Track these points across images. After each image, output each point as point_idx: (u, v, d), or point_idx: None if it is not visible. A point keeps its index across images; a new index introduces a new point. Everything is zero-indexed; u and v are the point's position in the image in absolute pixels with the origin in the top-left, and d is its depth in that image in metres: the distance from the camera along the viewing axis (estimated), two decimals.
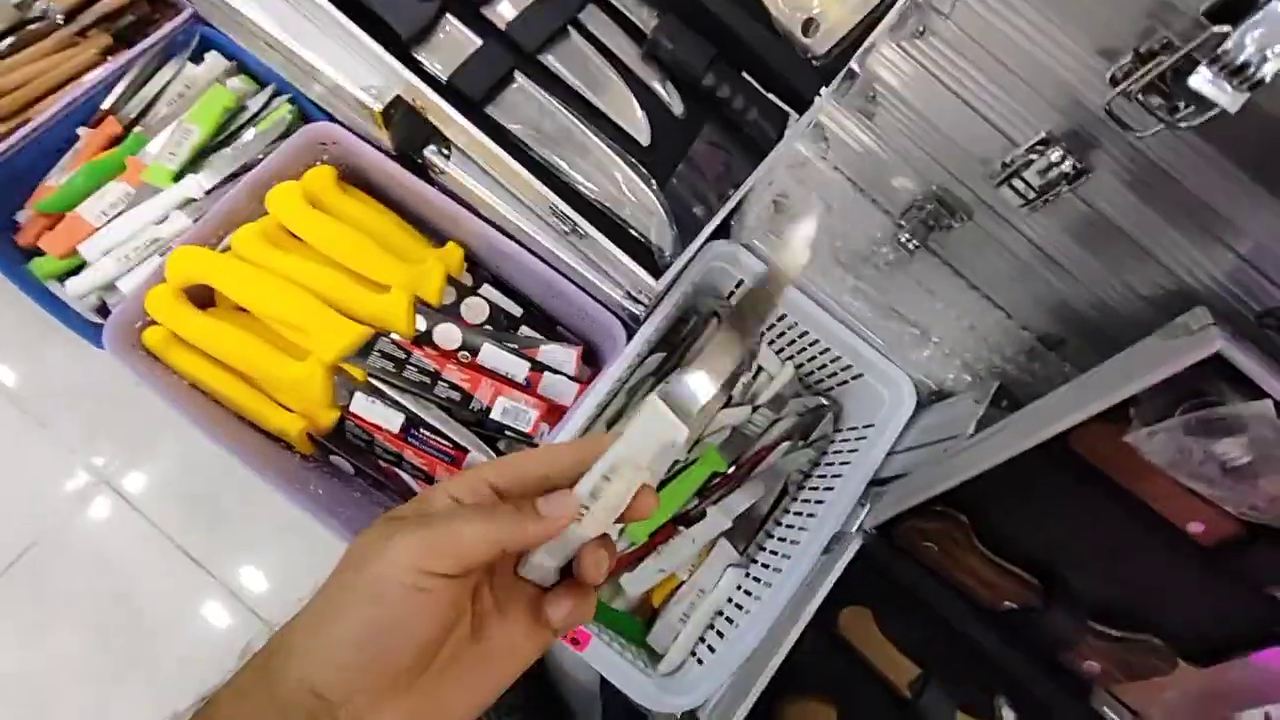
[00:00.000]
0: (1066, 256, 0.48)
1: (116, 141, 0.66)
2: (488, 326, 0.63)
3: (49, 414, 0.92)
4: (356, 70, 0.55)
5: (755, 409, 0.67)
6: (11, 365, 0.93)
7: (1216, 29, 0.32)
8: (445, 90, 0.52)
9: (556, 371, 0.62)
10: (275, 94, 0.68)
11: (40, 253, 0.64)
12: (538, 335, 0.65)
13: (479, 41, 0.53)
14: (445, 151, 0.57)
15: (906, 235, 0.48)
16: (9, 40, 0.63)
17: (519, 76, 0.54)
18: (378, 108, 0.54)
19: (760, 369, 0.69)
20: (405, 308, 0.59)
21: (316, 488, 0.58)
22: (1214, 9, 0.33)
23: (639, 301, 0.56)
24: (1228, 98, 0.32)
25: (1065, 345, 0.54)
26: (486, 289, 0.65)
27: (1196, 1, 0.33)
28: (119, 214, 0.63)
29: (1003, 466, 0.43)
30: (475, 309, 0.63)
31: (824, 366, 0.66)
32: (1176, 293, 0.44)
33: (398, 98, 0.54)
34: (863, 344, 0.60)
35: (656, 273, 0.53)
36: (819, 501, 0.59)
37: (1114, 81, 0.38)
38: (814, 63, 0.57)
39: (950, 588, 0.51)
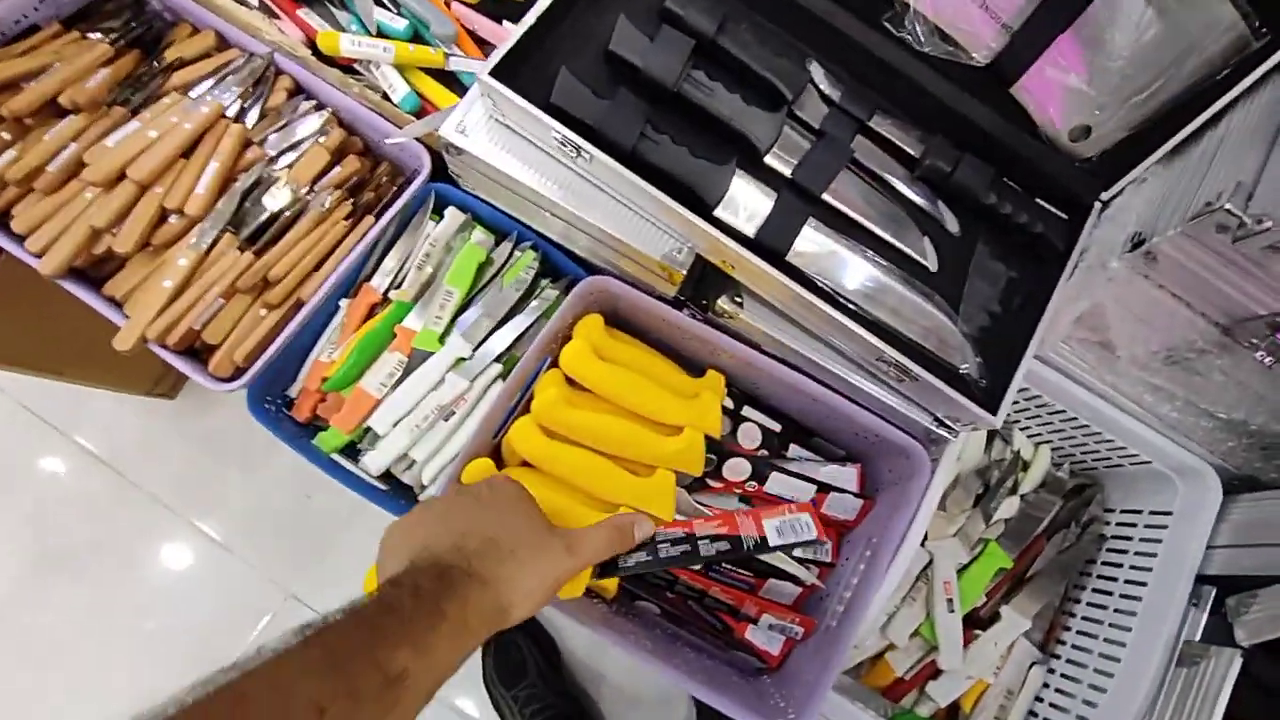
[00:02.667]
0: None
1: (373, 309, 0.68)
2: (763, 451, 0.64)
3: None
4: (647, 233, 0.57)
5: (1023, 498, 0.68)
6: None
7: None
8: (753, 245, 0.53)
9: (843, 490, 0.63)
10: (516, 241, 0.70)
11: (318, 426, 0.67)
12: (811, 455, 0.66)
13: (773, 195, 0.54)
14: (738, 300, 0.58)
15: (1263, 353, 0.48)
16: (272, 227, 0.66)
17: (810, 221, 0.55)
18: (682, 271, 0.55)
19: (1017, 454, 0.69)
20: (700, 446, 0.60)
21: (636, 635, 0.59)
22: None
23: (950, 429, 0.57)
24: None
25: None
26: (748, 410, 0.66)
27: None
28: (396, 383, 0.65)
29: None
30: (749, 434, 0.65)
31: (1080, 445, 0.66)
32: None
33: (696, 257, 0.56)
34: (1149, 431, 0.60)
35: (972, 399, 0.54)
36: (1130, 597, 0.59)
37: None
38: (1086, 165, 0.58)
39: None
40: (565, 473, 0.59)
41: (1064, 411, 0.63)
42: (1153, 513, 0.61)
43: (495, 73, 0.51)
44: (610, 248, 0.59)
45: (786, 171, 0.56)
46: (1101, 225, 0.56)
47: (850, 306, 0.54)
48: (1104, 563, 0.64)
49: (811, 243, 0.55)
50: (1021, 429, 0.68)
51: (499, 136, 0.56)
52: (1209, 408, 0.54)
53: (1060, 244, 0.56)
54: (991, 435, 0.69)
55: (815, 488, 0.62)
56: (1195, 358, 0.51)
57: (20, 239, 0.64)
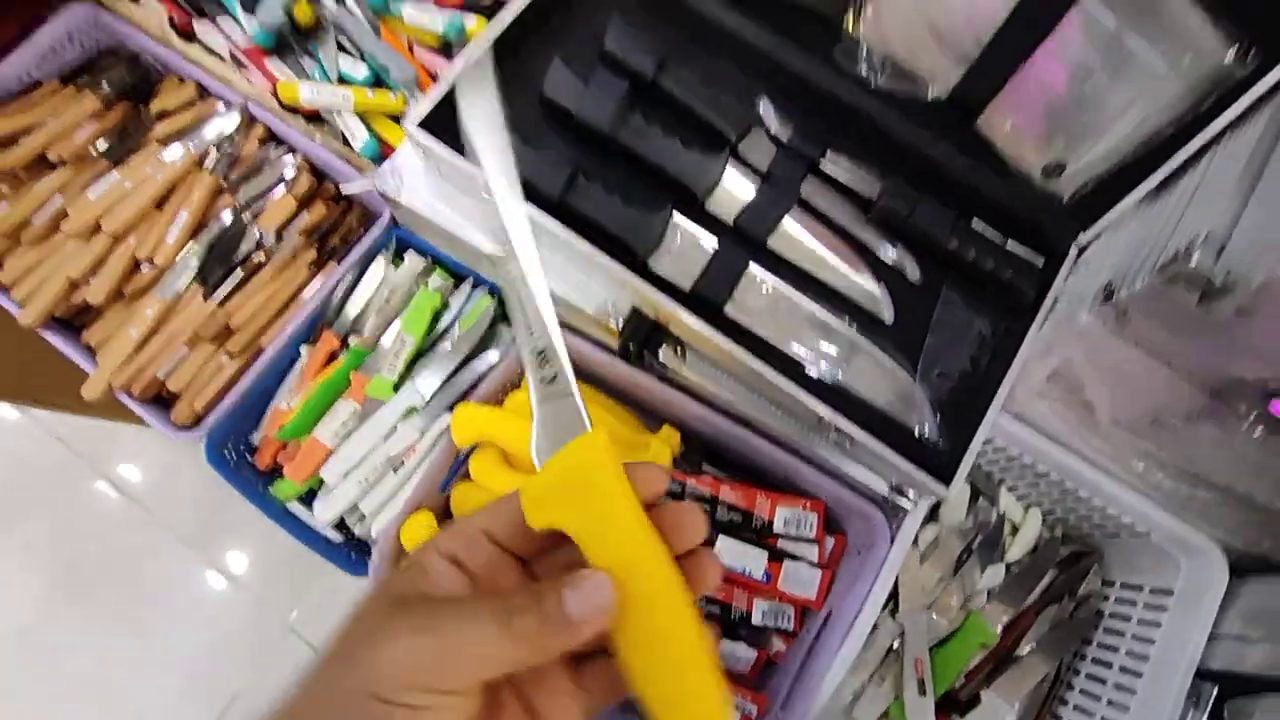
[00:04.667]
0: None
1: (333, 354, 0.68)
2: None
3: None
4: (583, 283, 0.55)
5: (1010, 566, 0.62)
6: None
7: None
8: (689, 299, 0.50)
9: (798, 559, 0.58)
10: (475, 285, 0.69)
11: (275, 472, 0.67)
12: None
13: (713, 241, 0.51)
14: (679, 353, 0.55)
15: (1255, 425, 0.42)
16: (237, 274, 0.67)
17: (753, 268, 0.52)
18: (616, 325, 0.53)
19: (1002, 517, 0.63)
20: None
21: None
22: None
23: (906, 496, 0.52)
24: None
25: None
26: (706, 467, 0.63)
27: None
28: (349, 432, 0.65)
29: None
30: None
31: (1073, 509, 0.60)
32: None
33: (633, 309, 0.53)
34: (1144, 500, 0.54)
35: (929, 467, 0.49)
36: (1124, 688, 0.52)
37: None
38: (1061, 205, 0.52)
39: None
40: None
41: (1050, 474, 0.57)
42: (1153, 590, 0.55)
43: (424, 123, 0.51)
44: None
45: (729, 218, 0.53)
46: (1076, 272, 0.50)
47: (796, 362, 0.50)
48: (1100, 644, 0.57)
49: (754, 293, 0.51)
50: (1009, 489, 0.62)
51: (434, 186, 0.55)
52: (1205, 476, 0.48)
53: (1032, 292, 0.51)
54: (975, 494, 0.63)
55: (768, 554, 0.58)
56: (1181, 424, 0.45)
57: (6, 289, 0.67)
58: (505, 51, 0.54)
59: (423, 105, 0.51)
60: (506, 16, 0.53)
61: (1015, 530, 0.62)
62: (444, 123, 0.51)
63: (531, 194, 0.50)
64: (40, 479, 1.19)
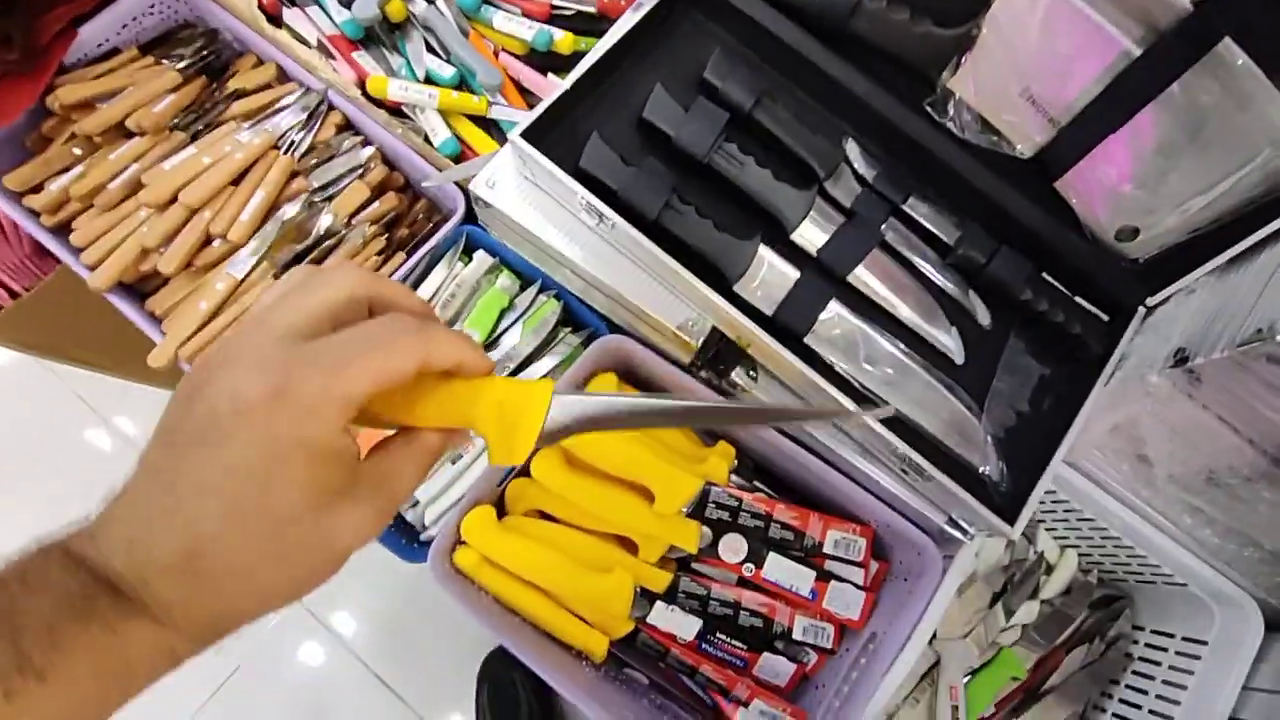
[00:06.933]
0: None
1: None
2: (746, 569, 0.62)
3: None
4: (667, 299, 0.56)
5: (1044, 603, 0.64)
6: None
7: None
8: (770, 324, 0.52)
9: (844, 580, 0.60)
10: (540, 288, 0.71)
11: None
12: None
13: (796, 273, 0.53)
14: (753, 374, 0.57)
15: None
16: (306, 257, 0.68)
17: (833, 302, 0.54)
18: (695, 342, 0.55)
19: (1040, 556, 0.66)
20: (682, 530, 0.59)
21: (620, 707, 0.57)
22: None
23: (963, 530, 0.54)
24: None
25: None
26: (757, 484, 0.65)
27: None
28: None
29: None
30: (732, 546, 0.62)
31: (1110, 555, 0.62)
32: None
33: (713, 329, 0.55)
34: (1183, 551, 0.56)
35: (990, 504, 0.51)
36: None
37: None
38: (1132, 267, 0.55)
39: None
40: (583, 503, 0.59)
41: (1094, 520, 0.59)
42: (1185, 639, 0.57)
43: (527, 134, 0.52)
44: (627, 310, 0.58)
45: (813, 250, 0.54)
46: (1144, 333, 0.52)
47: (868, 395, 0.52)
48: (1128, 686, 0.59)
49: (832, 325, 0.53)
50: (1047, 529, 0.65)
51: (527, 193, 0.57)
52: (1254, 537, 0.50)
53: (1099, 347, 0.53)
54: None
55: (815, 574, 0.60)
56: (1239, 484, 0.48)
57: (77, 251, 0.67)
58: (607, 72, 0.56)
59: (528, 118, 0.52)
60: (610, 40, 0.55)
61: (1050, 569, 0.65)
62: (543, 134, 0.52)
63: (628, 212, 0.52)
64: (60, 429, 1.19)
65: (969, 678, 0.61)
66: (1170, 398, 0.46)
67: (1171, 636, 0.59)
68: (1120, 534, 0.57)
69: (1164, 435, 0.49)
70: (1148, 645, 0.60)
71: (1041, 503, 0.62)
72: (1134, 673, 0.60)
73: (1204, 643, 0.55)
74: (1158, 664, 0.58)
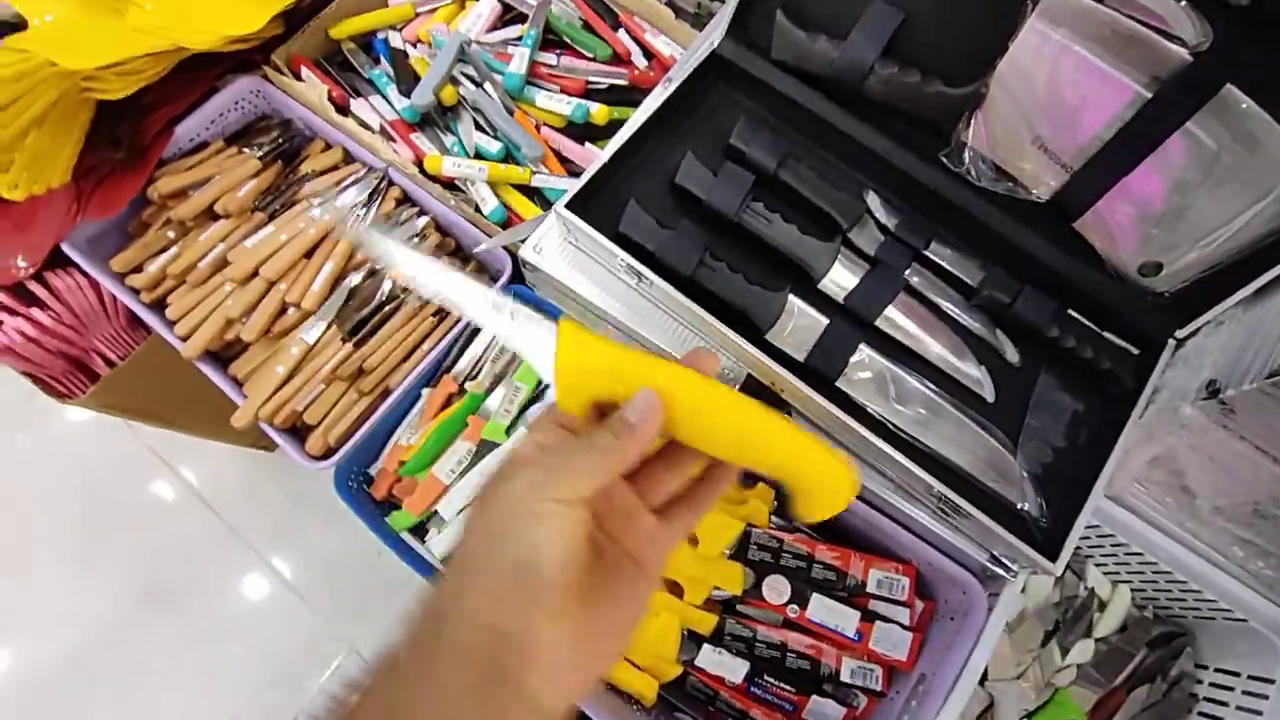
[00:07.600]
0: None
1: (450, 398, 0.74)
2: (793, 607, 0.63)
3: None
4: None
5: (1099, 642, 0.63)
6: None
7: None
8: (802, 370, 0.55)
9: (890, 620, 0.61)
10: None
11: (392, 503, 0.72)
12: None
13: (824, 320, 0.56)
14: (788, 416, 0.59)
15: None
16: (370, 321, 0.75)
17: (863, 346, 0.56)
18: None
19: (1091, 592, 0.65)
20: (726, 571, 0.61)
21: None
22: None
23: (1006, 568, 0.55)
24: None
25: None
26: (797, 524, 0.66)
27: None
28: (464, 470, 0.70)
29: None
30: (775, 588, 0.64)
31: (1165, 590, 0.61)
32: None
33: (749, 376, 0.58)
34: (1238, 585, 0.55)
35: (1031, 542, 0.52)
36: None
37: None
38: (1158, 300, 0.56)
39: None
40: None
41: (1143, 554, 0.59)
42: (1252, 677, 0.55)
43: (571, 205, 0.57)
44: None
45: (840, 297, 0.57)
46: (1175, 366, 0.53)
47: (902, 435, 0.54)
48: None
49: (863, 369, 0.56)
50: (1097, 565, 0.64)
51: (571, 257, 0.61)
52: None
53: (1130, 381, 0.54)
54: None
55: (859, 615, 0.61)
56: None
57: (171, 323, 0.75)
58: (641, 143, 0.61)
59: (571, 190, 0.57)
60: (643, 115, 0.60)
61: (1103, 606, 0.64)
62: (585, 203, 0.57)
63: (665, 271, 0.56)
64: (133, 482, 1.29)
65: None
66: (1205, 429, 0.47)
67: (1237, 675, 0.57)
68: (1170, 568, 0.57)
69: (1203, 466, 0.49)
70: (1213, 685, 0.59)
71: (1086, 538, 0.62)
72: (1200, 714, 0.58)
73: (1271, 681, 0.54)
74: (1224, 704, 0.57)
